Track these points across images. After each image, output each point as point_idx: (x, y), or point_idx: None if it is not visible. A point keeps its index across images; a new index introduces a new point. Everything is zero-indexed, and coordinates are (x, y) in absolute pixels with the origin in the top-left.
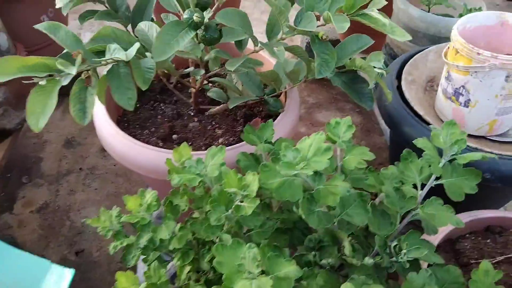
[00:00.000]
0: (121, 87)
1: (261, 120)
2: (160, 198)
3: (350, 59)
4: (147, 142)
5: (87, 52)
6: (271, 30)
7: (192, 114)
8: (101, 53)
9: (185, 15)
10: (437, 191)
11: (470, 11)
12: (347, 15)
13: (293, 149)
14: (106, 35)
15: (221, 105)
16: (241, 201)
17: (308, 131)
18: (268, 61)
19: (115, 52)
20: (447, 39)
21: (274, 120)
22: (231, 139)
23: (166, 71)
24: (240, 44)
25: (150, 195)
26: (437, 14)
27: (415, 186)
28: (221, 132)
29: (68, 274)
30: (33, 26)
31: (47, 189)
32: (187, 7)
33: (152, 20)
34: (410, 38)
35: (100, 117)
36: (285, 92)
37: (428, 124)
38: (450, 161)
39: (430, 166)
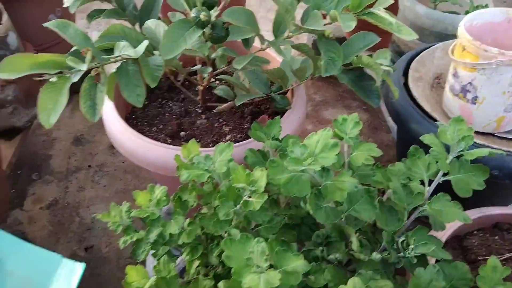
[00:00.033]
0: (130, 84)
1: (268, 117)
2: (169, 194)
3: (356, 56)
4: (156, 139)
5: (96, 50)
6: (278, 28)
7: (199, 111)
8: (109, 50)
9: (192, 14)
10: (445, 188)
11: (476, 8)
12: (353, 13)
13: (301, 145)
14: (115, 32)
15: (228, 103)
16: (249, 197)
17: (314, 129)
18: (275, 58)
19: (124, 49)
20: (453, 36)
21: (281, 117)
22: (238, 136)
23: (173, 69)
24: (247, 42)
25: (159, 190)
26: (443, 11)
27: (422, 183)
28: (228, 129)
29: (79, 268)
30: (43, 25)
31: (56, 186)
32: (194, 5)
33: (158, 18)
34: (416, 37)
35: (109, 115)
36: (292, 89)
37: (435, 121)
38: (458, 157)
39: (437, 162)
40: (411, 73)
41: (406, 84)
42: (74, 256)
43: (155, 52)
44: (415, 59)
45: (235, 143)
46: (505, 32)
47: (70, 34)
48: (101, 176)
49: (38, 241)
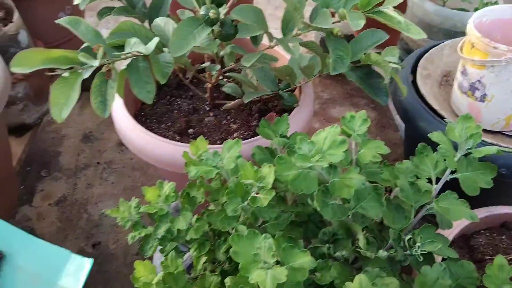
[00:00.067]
0: (140, 81)
1: (275, 115)
2: (177, 191)
3: (365, 54)
4: (164, 136)
5: (107, 46)
6: (286, 26)
7: (207, 109)
8: (119, 47)
9: (201, 11)
10: (452, 186)
11: (486, 4)
12: (362, 12)
13: (309, 142)
14: (125, 29)
15: (236, 100)
16: (257, 193)
17: (322, 127)
18: (283, 56)
19: (135, 45)
20: (462, 33)
21: (288, 115)
22: (246, 133)
23: (182, 67)
24: (256, 40)
25: (168, 186)
26: (452, 9)
27: (430, 181)
28: (236, 127)
29: (87, 263)
30: (55, 21)
31: (65, 182)
32: (203, 3)
33: (167, 16)
34: (425, 36)
35: (119, 112)
36: (300, 87)
37: (443, 118)
38: (466, 155)
39: (445, 160)
40: (419, 70)
41: (414, 82)
42: (81, 252)
43: (164, 49)
44: (424, 57)
45: (242, 140)
46: None
47: (81, 30)
48: (109, 173)
49: (46, 237)
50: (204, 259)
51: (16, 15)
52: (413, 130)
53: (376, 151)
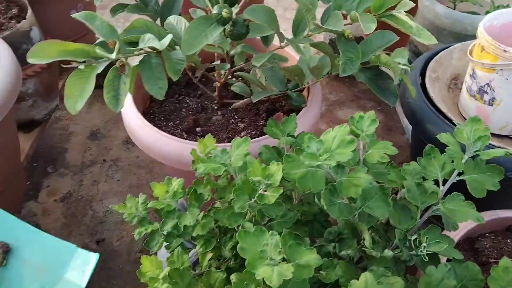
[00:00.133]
0: (152, 77)
1: (283, 115)
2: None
3: (374, 55)
4: (172, 134)
5: (121, 42)
6: (297, 26)
7: (215, 107)
8: (133, 44)
9: (214, 11)
10: (459, 189)
11: (497, 8)
12: (374, 15)
13: (317, 141)
14: (139, 27)
15: (245, 99)
16: (265, 190)
17: (328, 128)
18: (292, 56)
19: (150, 41)
20: (472, 37)
21: (296, 115)
22: (253, 132)
23: (192, 65)
24: (266, 40)
25: (176, 182)
26: (463, 12)
27: (436, 183)
28: (243, 126)
29: (93, 258)
30: (72, 15)
31: (71, 179)
32: (216, 2)
33: (179, 14)
34: (436, 42)
35: (128, 109)
36: (308, 87)
37: (451, 121)
38: (473, 157)
39: (452, 161)
40: (428, 73)
41: (423, 84)
42: (86, 249)
43: (176, 47)
44: (433, 59)
45: None
46: None
47: (97, 25)
48: (115, 171)
49: (51, 233)
50: (210, 255)
51: (29, 12)
52: (421, 132)
53: (384, 152)
